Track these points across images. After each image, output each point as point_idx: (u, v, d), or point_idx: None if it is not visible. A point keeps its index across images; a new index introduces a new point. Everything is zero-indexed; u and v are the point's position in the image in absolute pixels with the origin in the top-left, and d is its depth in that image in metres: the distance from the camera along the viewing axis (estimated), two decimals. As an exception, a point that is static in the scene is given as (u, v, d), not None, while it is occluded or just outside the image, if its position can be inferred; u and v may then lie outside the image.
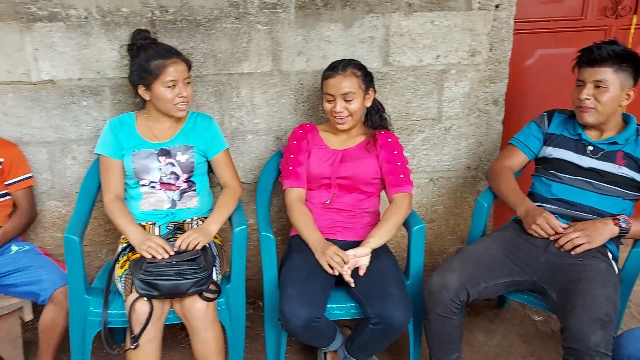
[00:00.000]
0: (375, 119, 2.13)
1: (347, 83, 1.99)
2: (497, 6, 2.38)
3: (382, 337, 1.85)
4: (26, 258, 2.09)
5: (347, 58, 2.08)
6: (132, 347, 1.79)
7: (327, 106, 2.04)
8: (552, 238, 1.94)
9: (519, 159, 2.20)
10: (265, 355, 2.17)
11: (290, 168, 2.11)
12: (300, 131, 2.15)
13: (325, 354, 2.16)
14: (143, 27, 2.12)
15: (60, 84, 2.21)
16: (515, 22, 2.42)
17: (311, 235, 1.99)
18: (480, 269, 1.88)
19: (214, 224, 2.00)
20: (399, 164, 2.07)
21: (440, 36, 2.38)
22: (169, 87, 1.95)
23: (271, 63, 2.30)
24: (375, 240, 1.93)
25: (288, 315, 1.77)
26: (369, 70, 2.07)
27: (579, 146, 2.06)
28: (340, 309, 1.95)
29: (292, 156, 2.12)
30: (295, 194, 2.09)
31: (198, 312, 1.84)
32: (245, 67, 2.29)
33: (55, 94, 2.22)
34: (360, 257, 1.89)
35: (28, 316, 2.10)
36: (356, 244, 2.05)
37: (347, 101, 2.00)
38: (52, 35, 2.13)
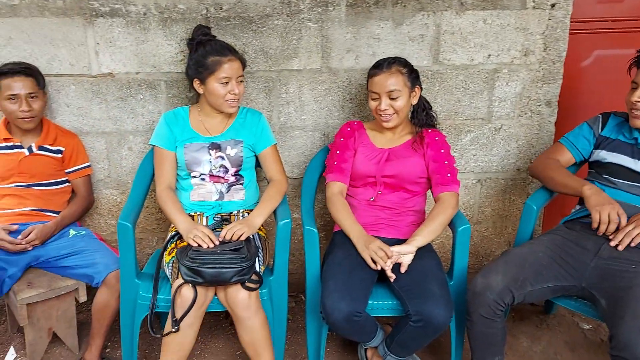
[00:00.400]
0: (421, 116, 2.12)
1: (392, 81, 1.99)
2: (552, 5, 2.32)
3: (421, 335, 1.84)
4: (83, 242, 2.20)
5: (393, 56, 2.07)
6: (173, 330, 1.85)
7: (372, 104, 2.05)
8: (609, 231, 1.86)
9: (564, 157, 2.14)
10: (306, 349, 2.20)
11: (335, 163, 2.13)
12: (348, 129, 2.17)
13: (365, 349, 2.17)
14: (198, 24, 2.19)
15: (119, 77, 2.31)
16: (571, 21, 2.36)
17: (353, 228, 2.00)
18: (525, 272, 1.84)
19: (259, 217, 2.04)
20: (446, 162, 2.06)
21: (492, 35, 2.34)
22: (222, 83, 2.01)
23: (320, 60, 2.32)
24: (421, 238, 1.93)
25: (329, 309, 1.79)
26: (416, 68, 2.06)
27: (636, 151, 1.98)
28: (381, 305, 1.95)
29: (337, 152, 2.14)
30: (337, 188, 2.11)
31: (241, 301, 1.88)
32: (294, 64, 2.32)
33: (114, 87, 2.32)
34: (404, 255, 1.89)
35: (82, 297, 2.20)
36: (399, 241, 2.05)
37: (392, 99, 2.00)
38: (112, 31, 2.23)
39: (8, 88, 2.07)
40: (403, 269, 1.87)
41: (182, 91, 2.34)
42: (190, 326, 1.88)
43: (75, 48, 2.25)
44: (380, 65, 2.02)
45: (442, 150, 2.07)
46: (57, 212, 2.24)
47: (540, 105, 2.46)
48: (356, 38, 2.30)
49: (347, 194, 2.18)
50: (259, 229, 2.15)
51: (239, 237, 1.93)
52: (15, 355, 2.32)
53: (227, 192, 2.15)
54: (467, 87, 2.41)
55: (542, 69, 2.41)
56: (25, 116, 2.10)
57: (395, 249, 1.89)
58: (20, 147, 2.17)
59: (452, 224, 2.07)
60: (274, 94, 2.37)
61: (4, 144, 2.16)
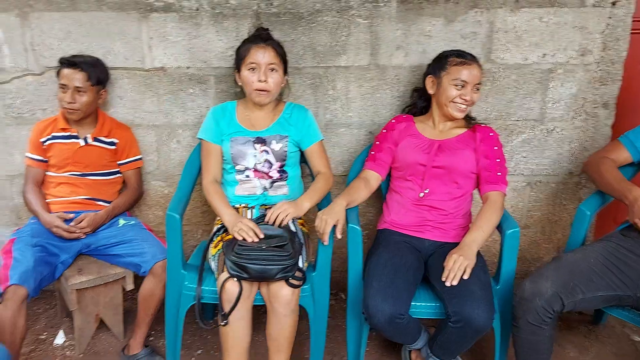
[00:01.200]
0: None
1: (478, 73, 2.00)
2: (613, 3, 2.23)
3: (461, 337, 1.80)
4: (132, 231, 2.25)
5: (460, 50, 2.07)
6: (222, 324, 1.88)
7: (455, 92, 2.01)
8: None
9: (621, 155, 2.05)
10: (346, 347, 2.19)
11: (372, 153, 2.15)
12: (393, 121, 2.17)
13: (410, 351, 2.14)
14: (249, 19, 2.21)
15: (171, 71, 2.36)
16: (633, 20, 2.25)
17: (345, 198, 2.02)
18: (577, 279, 1.77)
19: (307, 201, 2.04)
20: (497, 160, 2.02)
21: (548, 34, 2.27)
22: (250, 69, 2.01)
23: (369, 57, 2.31)
24: (477, 242, 1.88)
25: (372, 309, 1.77)
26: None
27: None
28: (424, 307, 1.92)
29: (377, 142, 2.16)
30: (366, 174, 2.14)
31: (283, 297, 1.89)
32: (342, 61, 2.31)
33: (166, 81, 2.37)
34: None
35: (129, 285, 2.26)
36: (446, 244, 2.01)
37: (475, 90, 2.01)
38: (166, 25, 2.27)
39: (61, 77, 2.17)
40: (466, 276, 1.79)
41: (231, 86, 2.36)
42: (241, 319, 1.90)
43: (130, 42, 2.30)
44: (467, 56, 2.01)
45: (495, 148, 2.03)
46: (108, 202, 2.31)
47: (596, 107, 2.36)
48: (406, 35, 2.27)
49: (393, 190, 2.16)
50: (303, 225, 2.15)
51: (282, 222, 1.95)
52: (64, 339, 2.41)
53: (270, 188, 2.16)
54: (520, 87, 2.34)
55: (600, 70, 2.31)
56: (69, 107, 2.18)
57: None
58: (77, 137, 2.25)
59: (499, 227, 2.01)
60: (321, 91, 2.37)
61: (61, 134, 2.24)
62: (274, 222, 1.95)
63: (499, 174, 2.00)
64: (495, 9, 2.24)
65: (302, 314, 1.99)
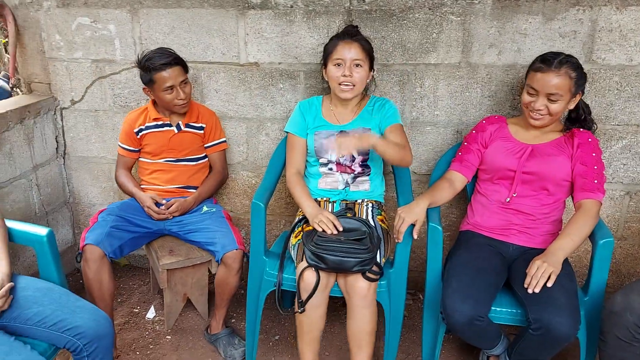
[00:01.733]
0: (575, 122, 2.01)
1: (557, 83, 1.85)
2: None
3: (541, 346, 1.72)
4: (210, 220, 2.36)
5: (565, 53, 1.91)
6: (299, 311, 1.93)
7: (527, 99, 1.93)
8: None
9: None
10: (421, 347, 2.17)
11: (460, 154, 2.11)
12: (484, 121, 2.12)
13: (488, 357, 2.09)
14: (340, 16, 2.25)
15: (263, 67, 2.45)
16: None
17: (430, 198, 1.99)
18: (676, 296, 1.64)
19: (377, 138, 1.93)
20: (595, 167, 1.91)
21: (658, 33, 2.11)
22: (335, 64, 2.04)
23: (460, 55, 2.27)
24: (567, 241, 1.80)
25: (450, 309, 1.75)
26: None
27: None
28: (504, 313, 1.86)
29: (465, 143, 2.11)
30: (451, 175, 2.10)
31: (360, 290, 1.91)
32: (432, 58, 2.29)
33: (258, 76, 2.47)
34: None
35: (214, 269, 2.37)
36: (532, 250, 1.94)
37: (550, 100, 1.88)
38: (261, 22, 2.37)
39: (164, 81, 2.19)
40: (550, 284, 1.71)
41: (319, 82, 2.42)
42: (317, 308, 1.95)
43: (228, 38, 2.42)
44: (549, 62, 1.87)
45: (594, 154, 1.92)
46: (197, 187, 2.43)
47: None
48: (500, 33, 2.21)
49: (479, 192, 2.11)
50: (382, 221, 2.16)
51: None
52: (154, 314, 2.58)
53: (352, 183, 2.18)
54: (623, 89, 2.20)
55: None
56: (183, 103, 2.28)
57: None
58: (170, 125, 2.37)
59: (592, 236, 1.91)
60: (408, 88, 2.36)
61: (154, 123, 2.37)
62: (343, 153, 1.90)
63: (596, 181, 1.89)
64: (599, 7, 2.11)
65: (378, 311, 2.00)
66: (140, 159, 2.45)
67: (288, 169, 2.22)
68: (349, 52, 2.02)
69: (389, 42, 2.30)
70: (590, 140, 1.94)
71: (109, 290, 2.16)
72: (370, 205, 2.18)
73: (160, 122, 2.36)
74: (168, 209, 2.33)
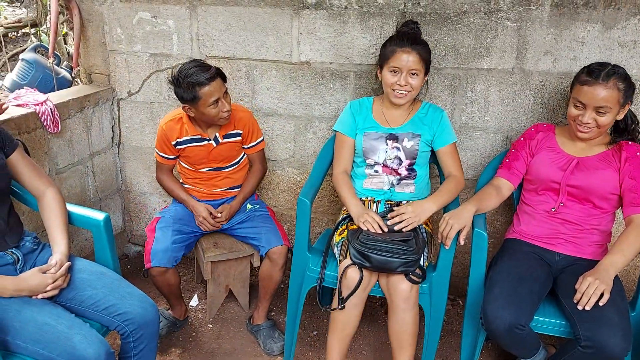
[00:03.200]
0: (623, 132, 1.95)
1: (605, 95, 1.80)
2: None
3: None
4: (254, 216, 2.41)
5: (611, 63, 1.87)
6: (339, 307, 1.96)
7: (574, 112, 1.88)
8: None
9: None
10: (459, 353, 2.16)
11: (507, 160, 2.10)
12: (532, 129, 2.09)
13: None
14: (394, 18, 2.26)
15: (314, 66, 2.48)
16: None
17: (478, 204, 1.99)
18: None
19: (433, 204, 2.04)
20: None
21: None
22: (392, 72, 2.04)
23: (514, 61, 2.24)
24: (619, 257, 1.76)
25: (491, 315, 1.74)
26: (633, 80, 1.86)
27: None
28: (547, 323, 1.84)
29: (513, 150, 2.10)
30: (498, 181, 2.08)
31: (402, 291, 1.92)
32: (485, 63, 2.28)
33: (309, 75, 2.50)
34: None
35: (256, 262, 2.43)
36: (580, 261, 1.91)
37: (599, 113, 1.83)
38: (315, 22, 2.40)
39: (210, 95, 2.10)
40: (602, 302, 1.68)
41: (369, 83, 2.43)
42: (355, 307, 1.97)
43: (281, 37, 2.47)
44: (596, 74, 1.81)
45: None
46: (240, 186, 2.46)
47: None
48: (557, 40, 2.17)
49: (524, 202, 2.09)
50: (426, 224, 2.16)
51: (406, 227, 1.97)
52: (197, 302, 2.66)
53: (397, 185, 2.19)
54: (683, 102, 2.14)
55: None
56: (228, 115, 2.19)
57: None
58: (208, 139, 2.30)
59: (643, 250, 1.87)
60: (459, 92, 2.35)
61: (192, 137, 2.29)
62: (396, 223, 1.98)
63: None
64: (662, 16, 2.06)
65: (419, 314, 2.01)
66: (181, 163, 2.41)
67: (335, 168, 2.24)
68: (407, 61, 2.01)
69: (442, 45, 2.30)
70: (639, 153, 1.89)
71: (176, 285, 2.32)
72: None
73: (198, 136, 2.29)
74: (218, 217, 2.36)
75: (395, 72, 2.04)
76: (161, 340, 2.36)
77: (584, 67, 1.89)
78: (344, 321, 2.00)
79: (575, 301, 1.72)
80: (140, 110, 2.79)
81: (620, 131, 1.97)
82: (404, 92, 2.06)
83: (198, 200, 2.40)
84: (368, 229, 1.96)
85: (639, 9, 2.07)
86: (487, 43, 2.25)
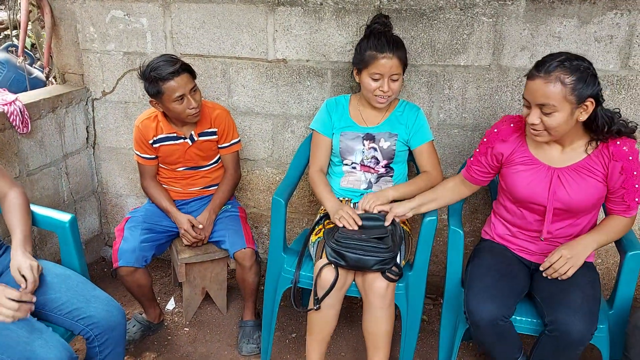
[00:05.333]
0: (599, 132, 1.69)
1: (546, 91, 1.58)
2: None
3: (556, 348, 1.67)
4: (225, 219, 2.36)
5: (564, 53, 1.63)
6: (315, 308, 1.92)
7: (523, 111, 1.71)
8: None
9: None
10: (437, 352, 2.13)
11: (470, 159, 1.98)
12: (495, 130, 1.87)
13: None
14: (370, 15, 2.23)
15: (291, 64, 2.45)
16: None
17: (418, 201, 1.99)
18: None
19: (393, 191, 2.04)
20: (637, 186, 1.70)
21: (700, 39, 2.02)
22: (373, 79, 2.00)
23: (490, 57, 2.22)
24: (598, 236, 1.76)
25: (475, 308, 1.71)
26: (599, 72, 1.67)
27: None
28: (524, 322, 1.81)
29: (476, 150, 1.95)
30: (462, 179, 2.01)
31: (378, 289, 1.89)
32: (462, 60, 2.25)
33: (286, 73, 2.47)
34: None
35: (232, 265, 2.37)
36: None
37: (544, 113, 1.62)
38: (290, 19, 2.37)
39: (173, 90, 2.06)
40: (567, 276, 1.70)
41: (347, 80, 2.40)
42: (331, 307, 1.93)
43: (257, 34, 2.43)
44: (540, 67, 1.61)
45: (635, 172, 1.68)
46: (217, 184, 2.41)
47: None
48: (533, 35, 2.15)
49: (501, 208, 1.96)
50: (404, 223, 2.13)
51: (374, 209, 1.98)
52: (174, 306, 2.61)
53: (375, 183, 2.16)
54: (661, 97, 2.12)
55: None
56: (195, 112, 2.15)
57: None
58: (184, 138, 2.26)
59: (621, 248, 1.85)
60: (436, 90, 2.32)
61: (167, 135, 2.26)
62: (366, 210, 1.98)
63: (637, 199, 1.72)
64: (638, 11, 2.04)
65: (396, 314, 1.98)
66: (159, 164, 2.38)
67: (311, 166, 2.22)
68: (390, 68, 1.97)
69: (418, 42, 2.27)
70: (630, 158, 1.67)
71: (147, 286, 2.26)
72: (394, 205, 2.16)
73: (174, 135, 2.26)
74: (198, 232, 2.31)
75: (376, 79, 2.01)
76: (135, 344, 2.31)
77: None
78: (321, 322, 1.97)
79: (541, 269, 1.72)
80: (114, 110, 2.74)
81: (597, 134, 1.70)
82: (386, 97, 2.04)
83: (174, 200, 2.36)
84: (344, 226, 1.93)
85: (615, 3, 2.05)
86: (463, 39, 2.22)
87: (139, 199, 2.88)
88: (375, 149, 2.13)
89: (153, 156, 2.32)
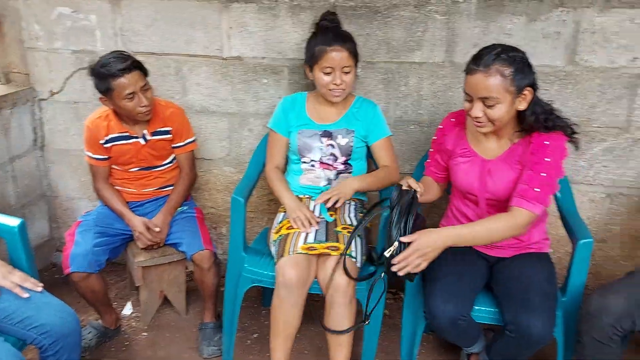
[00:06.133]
0: (533, 122, 1.69)
1: (487, 84, 1.60)
2: None
3: (517, 347, 1.72)
4: (181, 220, 2.31)
5: (498, 45, 1.67)
6: (365, 323, 1.91)
7: (465, 105, 1.71)
8: None
9: None
10: (400, 345, 2.15)
11: (428, 160, 2.02)
12: (441, 126, 1.95)
13: (469, 355, 2.08)
14: (327, 10, 2.23)
15: (247, 61, 2.42)
16: None
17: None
18: (654, 298, 1.63)
19: (356, 181, 2.06)
20: (543, 174, 1.66)
21: (640, 36, 2.12)
22: (326, 73, 2.01)
23: (444, 54, 2.26)
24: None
25: (435, 310, 1.73)
26: (544, 66, 1.81)
27: None
28: (483, 312, 1.85)
29: (431, 150, 2.01)
30: (427, 179, 2.02)
31: (340, 286, 1.89)
32: (416, 57, 2.28)
33: (241, 70, 2.44)
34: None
35: (190, 267, 2.34)
36: (519, 255, 1.90)
37: (487, 106, 1.64)
38: (245, 16, 2.34)
39: (123, 88, 2.02)
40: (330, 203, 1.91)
41: (303, 78, 2.39)
42: (294, 306, 1.92)
43: (211, 31, 2.39)
44: (478, 61, 1.62)
45: (548, 159, 1.67)
46: (172, 185, 2.36)
47: (692, 117, 2.18)
48: (484, 33, 2.20)
49: (452, 204, 2.02)
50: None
51: (335, 204, 1.98)
52: (131, 310, 2.54)
53: (335, 179, 2.17)
54: (605, 91, 2.21)
55: (698, 77, 2.13)
56: (146, 110, 2.11)
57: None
58: (136, 137, 2.21)
59: (572, 236, 1.91)
60: (393, 86, 2.35)
61: (118, 134, 2.20)
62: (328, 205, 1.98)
63: (537, 189, 1.65)
64: (582, 9, 2.12)
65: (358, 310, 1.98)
66: (111, 165, 2.30)
67: (267, 164, 2.22)
68: (340, 60, 1.98)
69: (374, 39, 2.29)
70: (547, 142, 1.68)
71: (101, 291, 2.19)
72: (352, 203, 2.17)
73: (126, 134, 2.20)
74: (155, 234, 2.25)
75: (328, 73, 2.01)
76: (91, 351, 2.24)
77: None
78: (285, 321, 1.95)
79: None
80: (63, 110, 2.64)
81: (532, 122, 1.70)
82: (340, 90, 2.03)
83: (127, 202, 2.29)
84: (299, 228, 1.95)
85: (561, 1, 2.12)
86: (417, 36, 2.25)
87: (92, 202, 2.78)
88: (333, 146, 2.13)
89: (105, 157, 2.25)
